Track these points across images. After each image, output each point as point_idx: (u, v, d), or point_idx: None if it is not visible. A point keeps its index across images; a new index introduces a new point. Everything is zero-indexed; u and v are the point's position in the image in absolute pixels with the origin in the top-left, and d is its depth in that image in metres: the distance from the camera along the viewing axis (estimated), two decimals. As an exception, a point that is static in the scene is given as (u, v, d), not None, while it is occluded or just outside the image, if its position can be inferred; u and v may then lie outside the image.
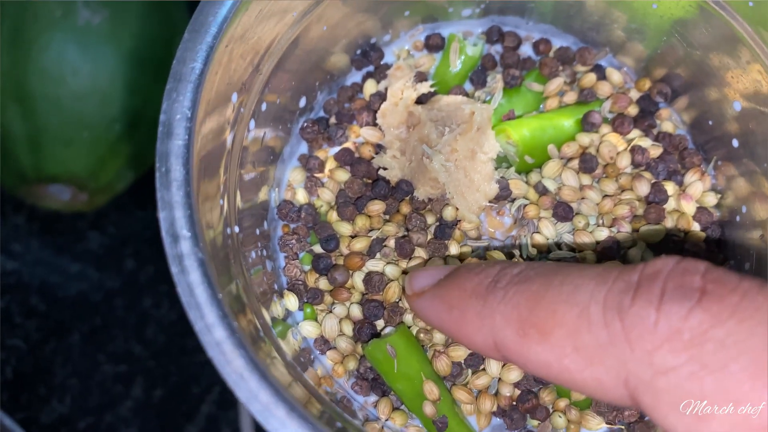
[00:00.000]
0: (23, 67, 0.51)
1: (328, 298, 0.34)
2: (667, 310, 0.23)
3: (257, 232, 0.33)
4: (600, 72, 0.37)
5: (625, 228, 0.34)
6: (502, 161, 0.35)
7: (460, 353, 0.33)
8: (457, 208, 0.34)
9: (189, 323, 0.62)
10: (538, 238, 0.34)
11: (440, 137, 0.33)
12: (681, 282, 0.23)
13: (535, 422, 0.34)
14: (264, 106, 0.32)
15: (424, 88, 0.35)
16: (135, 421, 0.59)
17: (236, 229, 0.31)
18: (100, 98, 0.53)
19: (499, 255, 0.34)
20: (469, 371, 0.34)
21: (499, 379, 0.34)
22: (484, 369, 0.34)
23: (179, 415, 0.59)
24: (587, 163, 0.35)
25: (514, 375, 0.33)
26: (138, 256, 0.62)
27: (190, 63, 0.28)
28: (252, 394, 0.24)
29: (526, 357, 0.25)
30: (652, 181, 0.35)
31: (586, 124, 0.35)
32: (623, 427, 0.33)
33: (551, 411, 0.34)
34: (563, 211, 0.34)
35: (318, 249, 0.35)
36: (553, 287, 0.25)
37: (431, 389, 0.33)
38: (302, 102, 0.36)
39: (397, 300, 0.34)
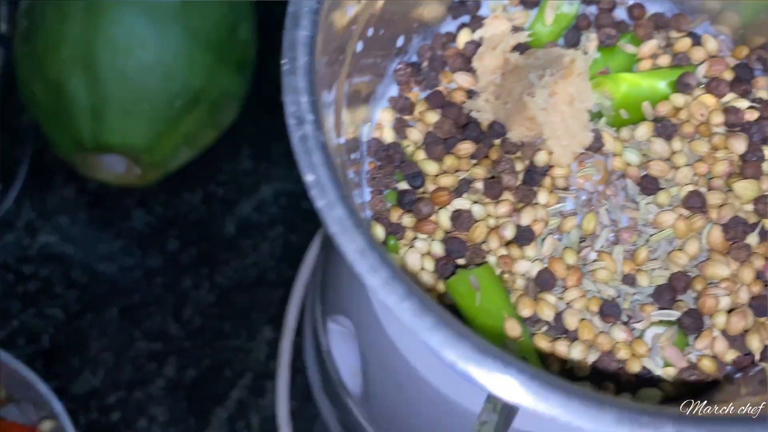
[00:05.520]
0: (93, 37, 0.52)
1: (410, 234, 0.34)
2: None
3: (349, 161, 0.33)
4: (695, 38, 0.37)
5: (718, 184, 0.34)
6: (594, 116, 0.35)
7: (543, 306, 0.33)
8: (549, 153, 0.34)
9: (226, 307, 0.62)
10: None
11: (539, 80, 0.33)
12: None
13: None
14: (370, 32, 0.33)
15: (522, 36, 0.36)
16: (164, 401, 0.58)
17: (342, 140, 0.31)
18: (164, 73, 0.53)
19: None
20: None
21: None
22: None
23: (209, 398, 0.58)
24: (666, 129, 0.35)
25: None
26: (182, 238, 0.62)
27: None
28: (372, 268, 0.24)
29: None
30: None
31: (681, 85, 0.35)
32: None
33: None
34: (648, 183, 0.34)
35: (403, 185, 0.34)
36: None
37: (513, 326, 0.32)
38: (400, 41, 0.36)
39: (482, 242, 0.34)
